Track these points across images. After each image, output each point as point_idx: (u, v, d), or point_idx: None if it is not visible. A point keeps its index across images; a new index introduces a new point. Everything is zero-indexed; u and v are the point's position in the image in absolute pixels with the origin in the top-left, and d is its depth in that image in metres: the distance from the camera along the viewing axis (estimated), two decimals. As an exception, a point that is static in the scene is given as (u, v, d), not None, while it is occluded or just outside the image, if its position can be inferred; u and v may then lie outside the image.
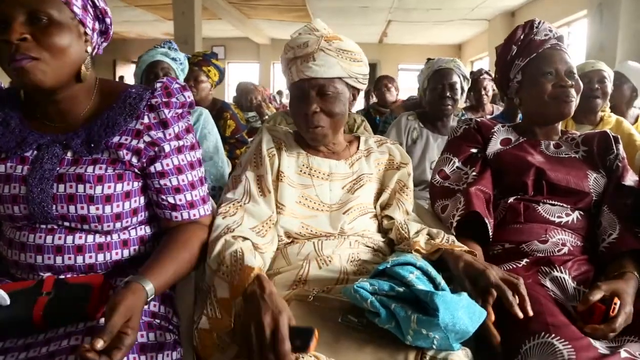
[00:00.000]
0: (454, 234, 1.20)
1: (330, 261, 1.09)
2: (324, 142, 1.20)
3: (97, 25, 0.98)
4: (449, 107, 2.21)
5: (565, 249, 1.18)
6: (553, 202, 1.25)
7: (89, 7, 0.95)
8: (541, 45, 1.33)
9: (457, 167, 1.36)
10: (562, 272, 1.13)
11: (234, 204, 1.11)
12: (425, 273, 0.94)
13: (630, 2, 4.02)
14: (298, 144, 1.23)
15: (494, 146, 1.37)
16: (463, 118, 2.23)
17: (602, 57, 4.09)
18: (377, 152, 1.29)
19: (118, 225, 0.97)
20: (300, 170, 1.19)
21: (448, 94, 2.19)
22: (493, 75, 2.00)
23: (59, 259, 0.94)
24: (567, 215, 1.24)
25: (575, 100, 1.30)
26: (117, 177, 0.96)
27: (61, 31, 0.88)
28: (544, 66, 1.31)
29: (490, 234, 1.19)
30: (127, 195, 0.98)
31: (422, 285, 0.88)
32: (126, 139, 0.97)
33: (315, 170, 1.20)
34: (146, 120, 0.99)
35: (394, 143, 1.33)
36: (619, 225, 1.18)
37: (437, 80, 2.22)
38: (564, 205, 1.25)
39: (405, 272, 0.90)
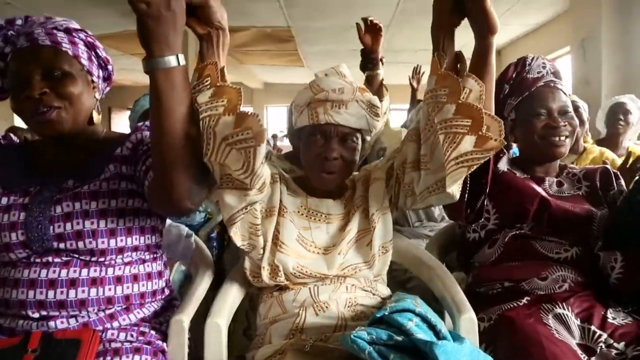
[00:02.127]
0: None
1: (327, 307, 1.06)
2: (331, 187, 1.19)
3: (101, 73, 1.10)
4: None
5: (566, 285, 1.16)
6: (551, 239, 1.23)
7: (93, 58, 1.07)
8: (534, 83, 1.32)
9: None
10: (564, 309, 1.11)
11: None
12: (425, 320, 0.91)
13: (610, 37, 4.15)
14: (297, 184, 1.23)
15: (504, 166, 1.35)
16: None
17: (589, 91, 4.20)
18: (356, 175, 1.28)
19: (113, 242, 0.98)
20: (298, 212, 1.18)
21: None
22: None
23: (50, 294, 0.94)
24: (566, 251, 1.22)
25: (568, 140, 1.29)
26: (112, 194, 1.01)
27: (74, 81, 0.99)
28: (536, 106, 1.29)
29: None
30: (122, 212, 1.01)
31: (422, 333, 0.85)
32: (116, 166, 1.04)
33: (313, 212, 1.19)
34: (133, 137, 1.08)
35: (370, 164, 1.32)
36: (622, 257, 1.17)
37: None
38: (563, 241, 1.23)
39: (404, 320, 0.87)
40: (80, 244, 0.96)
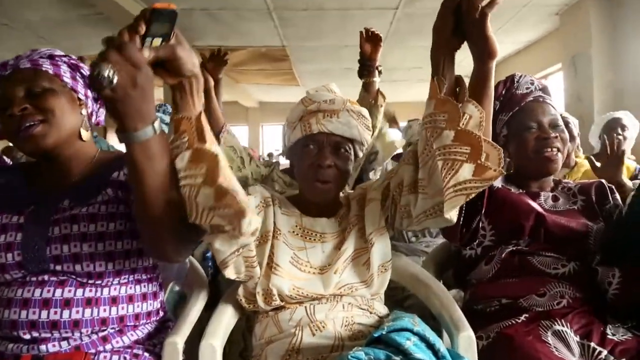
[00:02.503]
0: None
1: (323, 327, 1.04)
2: (326, 199, 1.19)
3: (89, 93, 1.11)
4: None
5: (565, 302, 1.15)
6: (548, 254, 1.23)
7: (78, 77, 1.09)
8: (523, 98, 1.34)
9: None
10: (563, 326, 1.09)
11: None
12: (423, 339, 0.90)
13: (600, 55, 4.22)
14: (292, 204, 1.23)
15: (498, 182, 1.36)
16: None
17: (580, 107, 4.25)
18: (353, 193, 1.28)
19: (110, 266, 0.98)
20: (293, 231, 1.17)
21: None
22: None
23: (44, 314, 0.93)
24: (563, 266, 1.21)
25: (561, 152, 1.30)
26: (110, 217, 1.00)
27: (54, 95, 1.01)
28: (526, 120, 1.31)
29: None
30: (120, 235, 1.00)
31: (420, 353, 0.84)
32: (114, 191, 1.05)
33: (307, 231, 1.18)
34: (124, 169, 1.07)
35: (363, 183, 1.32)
36: (620, 273, 1.16)
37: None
38: (560, 256, 1.22)
39: (402, 339, 0.86)
40: (77, 267, 0.96)
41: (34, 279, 0.96)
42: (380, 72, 1.92)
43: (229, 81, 7.94)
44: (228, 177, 0.85)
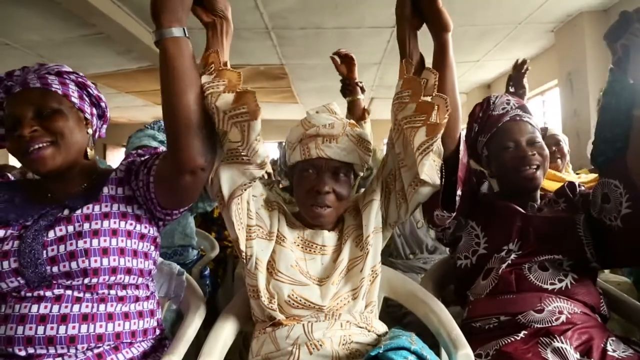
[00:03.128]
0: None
1: (321, 345, 1.04)
2: (325, 223, 1.20)
3: (94, 110, 1.15)
4: None
5: (563, 317, 1.15)
6: (543, 259, 1.23)
7: (84, 96, 1.13)
8: (500, 119, 1.37)
9: None
10: (563, 343, 1.09)
11: None
12: (420, 358, 0.89)
13: (596, 71, 4.26)
14: (294, 217, 1.24)
15: (485, 190, 1.39)
16: None
17: (577, 122, 4.28)
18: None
19: (105, 261, 0.98)
20: (294, 242, 1.18)
21: None
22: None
23: (40, 329, 0.93)
24: (560, 281, 1.21)
25: (541, 168, 1.32)
26: (104, 215, 1.03)
27: (63, 117, 1.05)
28: (504, 140, 1.34)
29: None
30: (114, 232, 1.02)
31: (417, 371, 0.83)
32: (111, 187, 1.08)
33: (308, 243, 1.18)
34: (121, 165, 1.13)
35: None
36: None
37: None
38: (555, 256, 1.23)
39: (399, 358, 0.86)
40: (74, 264, 0.96)
41: (29, 294, 0.96)
42: (363, 90, 1.94)
43: (228, 99, 7.99)
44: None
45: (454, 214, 1.15)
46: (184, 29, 0.92)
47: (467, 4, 4.04)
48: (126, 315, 1.03)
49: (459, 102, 1.14)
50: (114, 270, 1.00)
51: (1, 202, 1.07)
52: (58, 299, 0.96)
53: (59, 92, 1.06)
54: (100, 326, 0.98)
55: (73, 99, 1.08)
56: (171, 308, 1.36)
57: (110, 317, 1.00)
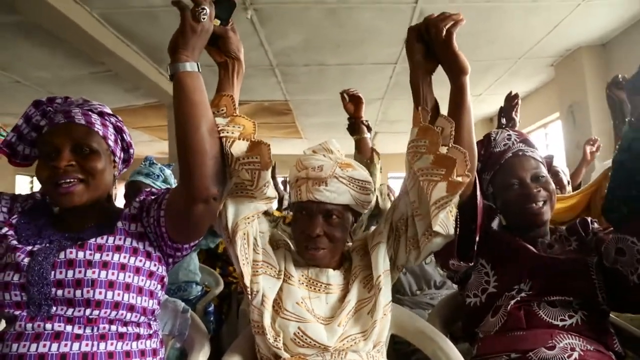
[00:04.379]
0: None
1: None
2: (321, 264, 1.19)
3: (122, 155, 1.21)
4: None
5: (576, 354, 1.11)
6: (554, 297, 1.20)
7: (118, 140, 1.18)
8: (502, 156, 1.35)
9: None
10: (575, 381, 1.05)
11: None
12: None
13: (597, 104, 4.30)
14: (299, 255, 1.23)
15: (496, 227, 1.36)
16: None
17: (580, 154, 4.27)
18: (351, 245, 1.28)
19: (110, 295, 0.97)
20: (299, 280, 1.16)
21: None
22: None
23: None
24: (570, 317, 1.19)
25: (547, 203, 1.30)
26: (116, 248, 1.03)
27: (99, 158, 1.08)
28: (507, 178, 1.32)
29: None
30: (123, 267, 1.02)
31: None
32: (124, 223, 1.09)
33: (313, 281, 1.17)
34: (135, 202, 1.14)
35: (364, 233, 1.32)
36: None
37: None
38: (565, 298, 1.20)
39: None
40: (78, 293, 0.96)
41: (29, 325, 0.95)
42: (369, 128, 1.96)
43: (233, 134, 8.08)
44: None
45: (471, 264, 1.14)
46: (197, 64, 0.97)
47: (468, 40, 4.13)
48: (127, 354, 1.01)
49: (475, 147, 1.12)
50: (116, 305, 0.99)
51: (27, 221, 1.10)
52: (57, 336, 0.95)
53: (100, 133, 1.10)
54: None
55: (109, 142, 1.13)
56: (175, 346, 1.33)
57: (110, 355, 0.98)
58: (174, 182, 2.29)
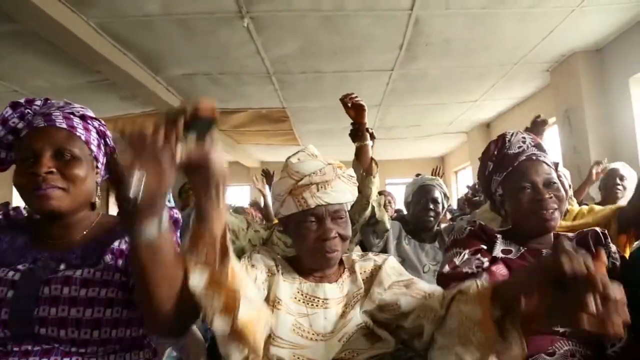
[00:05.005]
0: None
1: None
2: (332, 265, 1.19)
3: (105, 160, 1.13)
4: (432, 218, 2.39)
5: (576, 361, 1.10)
6: None
7: (101, 145, 1.11)
8: (516, 158, 1.33)
9: (467, 258, 1.28)
10: (576, 388, 1.04)
11: None
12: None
13: (592, 108, 4.33)
14: (293, 269, 1.21)
15: (498, 252, 1.32)
16: (466, 219, 2.42)
17: (577, 158, 4.30)
18: (360, 261, 1.25)
19: (96, 334, 0.93)
20: (295, 297, 1.15)
21: (431, 206, 2.38)
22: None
23: None
24: (571, 323, 1.17)
25: (558, 210, 1.28)
26: (103, 283, 0.97)
27: (81, 165, 1.02)
28: (520, 180, 1.30)
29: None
30: (110, 302, 0.97)
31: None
32: (112, 258, 1.02)
33: (309, 297, 1.15)
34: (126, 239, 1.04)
35: (377, 254, 1.30)
36: (627, 329, 1.12)
37: (421, 195, 2.43)
38: None
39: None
40: (62, 333, 0.92)
41: (16, 349, 0.91)
42: (373, 136, 1.94)
43: (229, 142, 8.09)
44: (247, 314, 0.84)
45: None
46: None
47: (464, 46, 4.15)
48: None
49: None
50: (104, 342, 0.96)
51: (4, 241, 1.04)
52: (46, 353, 0.92)
53: (82, 137, 1.04)
54: None
55: (92, 147, 1.07)
56: (171, 355, 1.32)
57: None
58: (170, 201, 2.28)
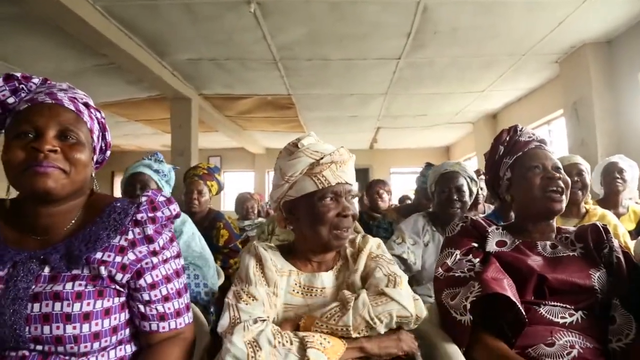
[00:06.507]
0: (470, 318, 1.14)
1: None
2: (343, 244, 1.22)
3: (98, 155, 1.08)
4: (457, 210, 2.19)
5: (575, 352, 1.11)
6: (555, 304, 1.20)
7: (100, 138, 1.06)
8: (526, 145, 1.40)
9: (459, 259, 1.32)
10: (574, 378, 1.05)
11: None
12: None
13: (601, 101, 4.29)
14: (287, 261, 1.21)
15: (491, 246, 1.34)
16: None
17: (584, 151, 4.27)
18: (349, 247, 1.27)
19: (96, 345, 0.91)
20: (293, 290, 1.16)
21: (455, 197, 2.18)
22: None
23: None
24: (571, 315, 1.18)
25: (565, 195, 1.31)
26: (98, 294, 0.92)
27: (84, 150, 0.97)
28: (530, 161, 1.36)
29: (524, 317, 1.11)
30: (107, 312, 0.93)
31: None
32: (109, 256, 0.96)
33: (308, 288, 1.17)
34: (130, 236, 0.99)
35: (365, 235, 1.31)
36: (636, 324, 1.13)
37: (443, 184, 2.23)
38: (567, 306, 1.20)
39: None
40: (60, 349, 0.88)
41: (13, 353, 0.88)
42: None
43: (235, 128, 8.09)
44: None
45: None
46: None
47: (472, 35, 4.11)
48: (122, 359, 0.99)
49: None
50: (104, 348, 0.94)
51: None
52: (45, 356, 0.89)
53: (88, 124, 1.00)
54: None
55: (94, 136, 1.02)
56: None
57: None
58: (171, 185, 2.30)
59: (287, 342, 0.99)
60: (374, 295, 1.08)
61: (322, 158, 1.16)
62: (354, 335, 1.04)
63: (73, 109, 0.97)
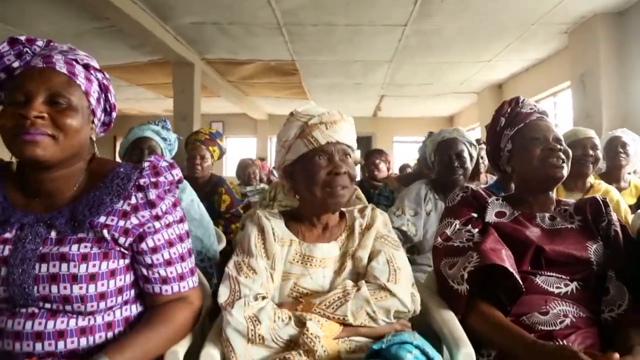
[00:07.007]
0: (467, 287, 1.17)
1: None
2: (341, 206, 1.22)
3: (103, 117, 1.07)
4: (460, 176, 2.15)
5: (568, 321, 1.14)
6: (551, 274, 1.22)
7: (102, 100, 1.04)
8: (527, 116, 1.39)
9: (458, 229, 1.34)
10: (566, 346, 1.08)
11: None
12: (423, 352, 0.90)
13: (609, 73, 4.22)
14: (290, 230, 1.23)
15: (490, 217, 1.35)
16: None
17: (589, 124, 4.23)
18: (359, 218, 1.28)
19: (102, 305, 0.94)
20: (294, 259, 1.17)
21: (456, 163, 2.14)
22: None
23: (38, 346, 0.89)
24: (566, 285, 1.21)
25: (566, 165, 1.32)
26: (103, 256, 0.95)
27: (76, 115, 0.94)
28: (532, 133, 1.35)
29: (521, 287, 1.14)
30: (112, 273, 0.96)
31: (420, 367, 0.84)
32: (112, 220, 0.98)
33: (308, 257, 1.18)
34: (134, 200, 1.01)
35: (374, 208, 1.32)
36: (629, 296, 1.16)
37: (443, 151, 2.19)
38: (562, 276, 1.22)
39: (402, 352, 0.86)
40: (68, 307, 0.92)
41: (23, 310, 0.91)
42: None
43: (238, 93, 8.02)
44: None
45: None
46: None
47: (481, 3, 4.01)
48: (126, 320, 1.01)
49: None
50: (110, 307, 0.97)
51: None
52: (53, 314, 0.92)
53: (82, 87, 0.97)
54: (100, 337, 0.95)
55: (91, 99, 0.99)
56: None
57: (109, 325, 0.98)
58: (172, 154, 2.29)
59: (286, 317, 1.04)
60: (375, 290, 1.10)
61: (310, 119, 1.18)
62: (354, 324, 1.07)
63: (65, 72, 0.95)
